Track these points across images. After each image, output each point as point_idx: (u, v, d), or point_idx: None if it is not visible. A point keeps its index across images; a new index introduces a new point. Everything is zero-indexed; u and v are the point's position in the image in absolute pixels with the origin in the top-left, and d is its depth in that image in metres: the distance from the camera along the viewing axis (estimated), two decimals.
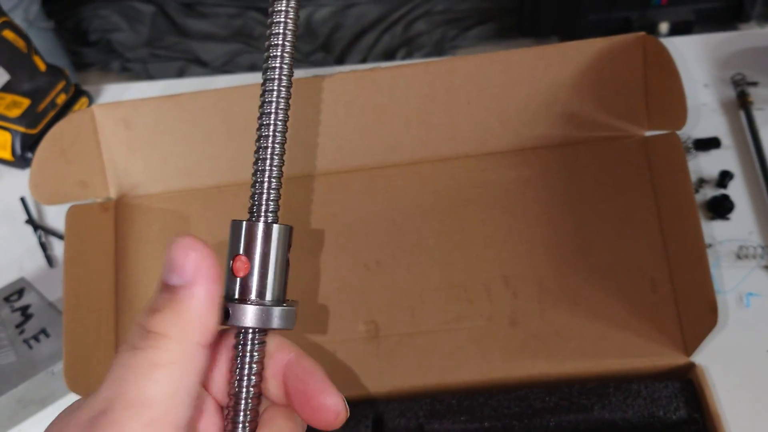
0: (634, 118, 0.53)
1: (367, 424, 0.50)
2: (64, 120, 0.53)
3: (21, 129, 0.74)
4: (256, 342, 0.29)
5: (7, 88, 0.76)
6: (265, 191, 0.31)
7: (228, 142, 0.55)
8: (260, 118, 0.32)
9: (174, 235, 0.28)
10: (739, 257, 0.60)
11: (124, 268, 0.55)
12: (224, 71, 1.75)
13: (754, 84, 0.72)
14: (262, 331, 0.30)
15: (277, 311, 0.29)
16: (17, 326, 0.59)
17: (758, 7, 1.57)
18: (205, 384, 0.30)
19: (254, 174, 0.31)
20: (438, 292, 0.53)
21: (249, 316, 0.29)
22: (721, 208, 0.63)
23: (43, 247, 0.69)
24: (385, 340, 0.52)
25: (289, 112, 0.32)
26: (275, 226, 0.30)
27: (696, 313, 0.48)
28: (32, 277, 0.66)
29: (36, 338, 0.58)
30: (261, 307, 0.29)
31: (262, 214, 0.30)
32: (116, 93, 0.83)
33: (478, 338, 0.51)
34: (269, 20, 0.31)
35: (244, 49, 1.80)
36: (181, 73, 1.78)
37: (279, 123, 0.32)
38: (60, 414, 0.26)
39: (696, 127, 0.69)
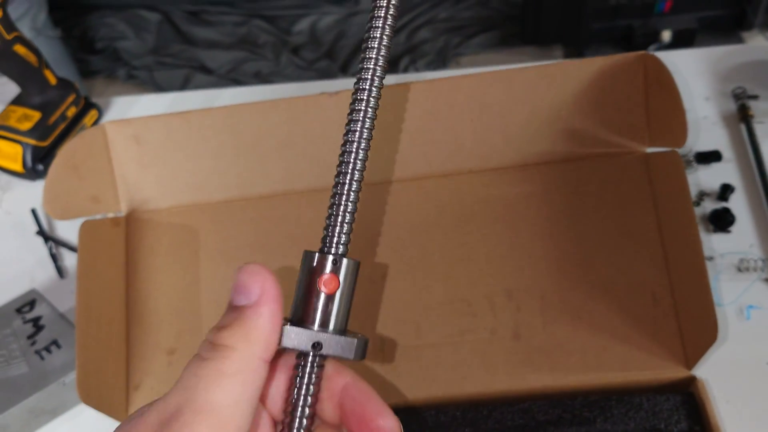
0: (635, 134, 0.54)
1: None
2: (77, 137, 0.54)
3: (32, 141, 0.75)
4: (315, 365, 0.31)
5: (19, 101, 0.78)
6: (338, 224, 0.32)
7: (236, 158, 0.56)
8: (343, 145, 0.32)
9: (241, 263, 0.30)
10: (739, 270, 0.61)
11: (135, 281, 0.56)
12: (229, 78, 1.77)
13: (755, 97, 0.73)
14: (323, 356, 0.31)
15: (341, 340, 0.31)
16: (29, 337, 0.60)
17: (761, 16, 1.58)
18: (262, 399, 0.32)
19: (331, 204, 0.32)
20: (442, 305, 0.54)
21: (331, 344, 0.30)
22: (721, 221, 0.64)
23: (54, 258, 0.71)
24: (390, 353, 0.53)
25: (373, 132, 0.32)
26: (345, 261, 0.31)
27: (697, 327, 0.49)
28: (43, 288, 0.67)
29: (47, 349, 0.59)
30: (341, 337, 0.31)
31: (334, 245, 0.31)
32: (125, 105, 0.84)
33: (482, 351, 0.52)
34: (367, 26, 0.31)
35: (249, 57, 1.81)
36: (186, 81, 1.79)
37: (361, 152, 0.32)
38: (128, 417, 0.28)
39: (697, 140, 0.70)
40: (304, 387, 0.31)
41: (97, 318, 0.53)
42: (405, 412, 0.52)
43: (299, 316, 0.31)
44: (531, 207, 0.55)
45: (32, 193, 0.77)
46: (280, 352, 0.32)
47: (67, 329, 0.61)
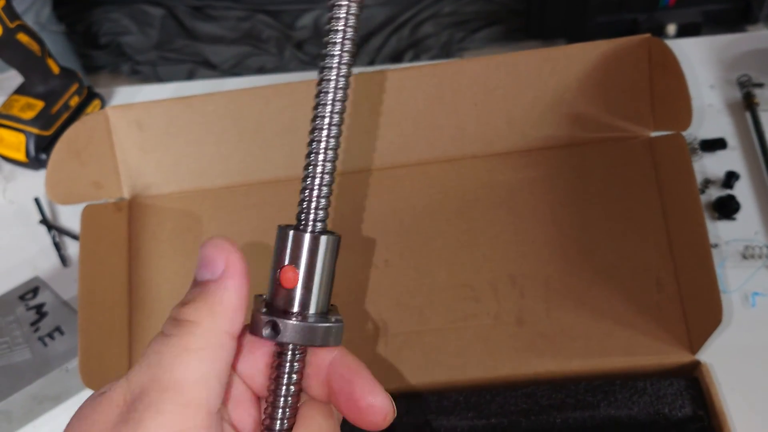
0: (639, 119, 0.54)
1: None
2: (79, 122, 0.54)
3: (35, 131, 0.75)
4: (297, 353, 0.29)
5: (22, 90, 0.78)
6: (314, 198, 0.29)
7: (238, 144, 0.56)
8: (313, 119, 0.30)
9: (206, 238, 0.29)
10: (744, 257, 0.61)
11: (137, 266, 0.56)
12: (233, 74, 1.77)
13: (760, 85, 0.72)
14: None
15: (321, 329, 0.29)
16: (32, 324, 0.60)
17: (766, 9, 1.57)
18: (243, 376, 0.30)
19: (304, 178, 0.30)
20: (445, 291, 0.53)
21: (291, 332, 0.28)
22: (726, 208, 0.63)
23: (57, 246, 0.71)
24: (393, 338, 0.53)
25: (344, 115, 0.30)
26: (323, 238, 0.29)
27: (701, 311, 0.49)
28: (46, 276, 0.67)
29: (50, 336, 0.59)
30: (304, 324, 0.29)
31: (311, 222, 0.29)
32: (128, 95, 0.84)
33: (485, 337, 0.52)
34: (329, 15, 0.29)
35: (253, 52, 1.81)
36: (190, 76, 1.79)
37: (333, 127, 0.29)
38: (90, 397, 0.27)
39: (702, 128, 0.70)
40: (287, 366, 0.29)
41: (100, 303, 0.53)
42: (408, 397, 0.51)
43: (277, 303, 0.29)
44: (535, 192, 0.54)
45: (35, 182, 0.77)
46: None
47: (70, 316, 0.61)
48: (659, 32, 1.58)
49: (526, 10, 1.72)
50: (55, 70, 0.77)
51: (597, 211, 0.53)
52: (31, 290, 0.63)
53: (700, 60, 0.76)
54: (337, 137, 0.30)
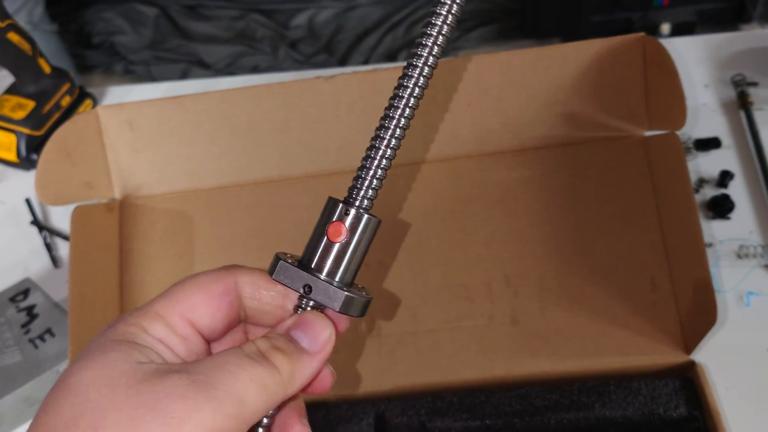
0: (634, 118, 0.54)
1: (369, 422, 0.50)
2: (69, 122, 0.54)
3: (26, 131, 0.75)
4: (305, 306, 0.31)
5: (12, 90, 0.77)
6: (369, 178, 0.31)
7: (231, 143, 0.56)
8: (388, 108, 0.32)
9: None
10: (739, 256, 0.61)
11: (129, 267, 0.55)
12: (227, 73, 1.76)
13: (754, 84, 0.72)
14: (313, 300, 0.31)
15: (331, 290, 0.30)
16: (23, 326, 0.60)
17: (760, 8, 1.57)
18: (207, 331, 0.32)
19: (365, 158, 0.32)
20: (439, 291, 0.53)
21: (323, 293, 0.30)
22: (721, 207, 0.63)
23: (48, 247, 0.70)
24: (387, 338, 0.53)
25: (415, 111, 0.32)
26: (365, 217, 0.31)
27: (695, 311, 0.49)
28: (37, 277, 0.66)
29: (41, 338, 0.59)
30: (319, 280, 0.30)
31: (359, 198, 0.31)
32: (120, 95, 0.84)
33: (480, 337, 0.52)
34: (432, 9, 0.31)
35: (247, 51, 1.80)
36: (184, 75, 1.78)
37: (403, 119, 0.32)
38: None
39: (696, 128, 0.70)
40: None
41: (91, 304, 0.52)
42: (402, 398, 0.51)
43: (306, 258, 0.31)
44: (529, 192, 0.54)
45: (27, 182, 0.76)
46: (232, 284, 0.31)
47: (61, 318, 0.60)
48: (653, 31, 1.58)
49: (520, 9, 1.72)
50: (47, 69, 0.76)
51: (591, 211, 0.53)
52: (21, 292, 0.62)
53: (695, 59, 0.76)
54: (405, 128, 0.32)
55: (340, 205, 0.31)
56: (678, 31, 1.57)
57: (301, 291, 0.30)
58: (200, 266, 0.55)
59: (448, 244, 0.54)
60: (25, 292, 0.62)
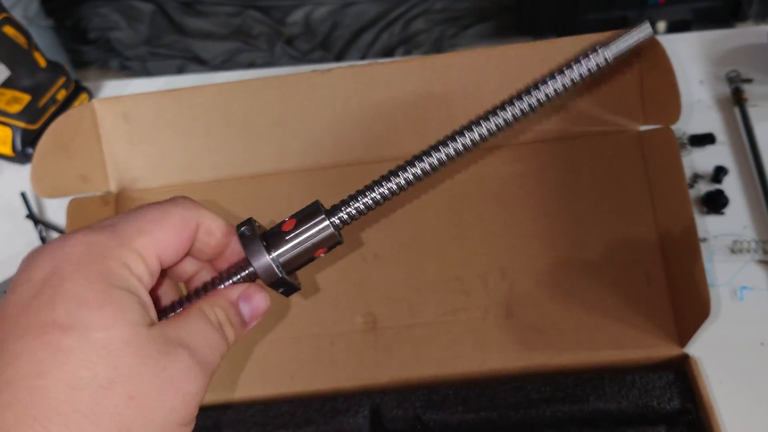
0: (629, 112, 0.54)
1: (365, 414, 0.50)
2: (65, 115, 0.54)
3: (21, 125, 0.74)
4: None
5: (8, 83, 0.77)
6: (359, 200, 0.33)
7: (227, 137, 0.56)
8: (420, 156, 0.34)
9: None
10: (733, 251, 0.61)
11: None
12: (223, 69, 1.76)
13: (749, 81, 0.73)
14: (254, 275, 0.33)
15: (269, 269, 0.32)
16: None
17: (755, 6, 1.57)
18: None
19: (377, 181, 0.33)
20: (435, 284, 0.53)
21: (263, 269, 0.32)
22: (715, 202, 0.63)
23: (44, 241, 0.70)
24: (383, 332, 0.53)
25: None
26: (330, 228, 0.33)
27: (690, 304, 0.49)
28: None
29: None
30: (273, 264, 0.32)
31: (339, 213, 0.33)
32: (116, 89, 0.84)
33: (475, 330, 0.52)
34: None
35: (243, 48, 1.80)
36: (180, 72, 1.78)
37: (432, 164, 0.35)
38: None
39: (691, 123, 0.70)
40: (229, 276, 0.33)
41: None
42: (397, 391, 0.51)
43: (269, 233, 0.33)
44: (525, 186, 0.54)
45: (22, 176, 0.76)
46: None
47: None
48: None
49: (517, 7, 1.72)
50: (42, 63, 0.76)
51: (587, 205, 0.53)
52: None
53: (690, 56, 0.76)
54: (425, 174, 0.34)
55: (320, 212, 0.33)
56: (674, 29, 1.57)
57: (248, 259, 0.32)
58: None
59: (443, 237, 0.54)
60: None
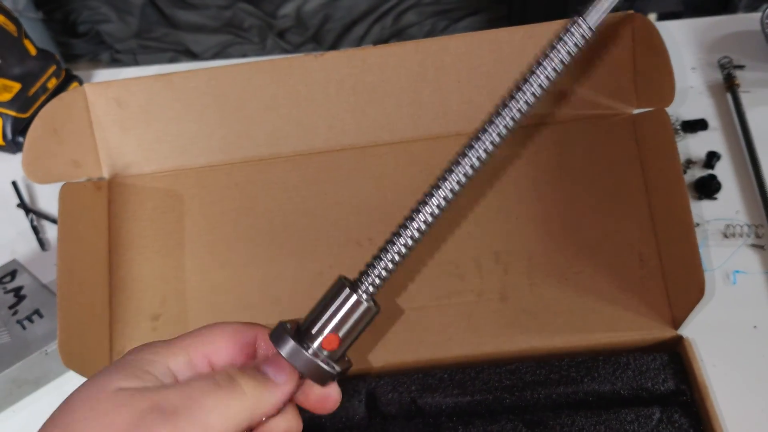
0: (622, 96, 0.54)
1: (360, 399, 0.50)
2: (56, 99, 0.53)
3: (12, 113, 0.74)
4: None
5: None
6: (382, 267, 0.33)
7: (220, 121, 0.55)
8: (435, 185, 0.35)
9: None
10: (725, 236, 0.61)
11: (118, 246, 0.55)
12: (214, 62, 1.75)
13: (741, 67, 0.73)
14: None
15: (313, 366, 0.33)
16: (10, 307, 0.59)
17: None
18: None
19: (389, 240, 0.34)
20: (429, 268, 0.53)
21: (302, 361, 0.33)
22: (708, 188, 0.64)
23: (35, 230, 0.69)
24: (377, 316, 0.53)
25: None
26: (364, 305, 0.33)
27: (683, 286, 0.49)
28: (25, 260, 0.66)
29: (29, 319, 0.58)
30: (316, 362, 0.33)
31: (365, 284, 0.33)
32: (107, 77, 0.82)
33: (469, 313, 0.52)
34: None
35: (234, 41, 1.79)
36: (171, 64, 1.77)
37: (438, 210, 0.35)
38: (139, 348, 0.32)
39: (683, 109, 0.70)
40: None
41: (80, 283, 0.52)
42: (392, 375, 0.51)
43: (306, 327, 0.33)
44: (518, 169, 0.54)
45: (13, 165, 0.75)
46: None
47: (49, 299, 0.60)
48: None
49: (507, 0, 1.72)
50: (32, 51, 0.76)
51: (580, 188, 0.54)
52: (8, 273, 0.62)
53: (682, 42, 0.77)
54: (434, 221, 0.35)
55: (346, 289, 0.33)
56: (664, 20, 1.58)
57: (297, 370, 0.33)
58: (190, 245, 0.55)
59: (437, 221, 0.54)
60: (12, 273, 0.62)
